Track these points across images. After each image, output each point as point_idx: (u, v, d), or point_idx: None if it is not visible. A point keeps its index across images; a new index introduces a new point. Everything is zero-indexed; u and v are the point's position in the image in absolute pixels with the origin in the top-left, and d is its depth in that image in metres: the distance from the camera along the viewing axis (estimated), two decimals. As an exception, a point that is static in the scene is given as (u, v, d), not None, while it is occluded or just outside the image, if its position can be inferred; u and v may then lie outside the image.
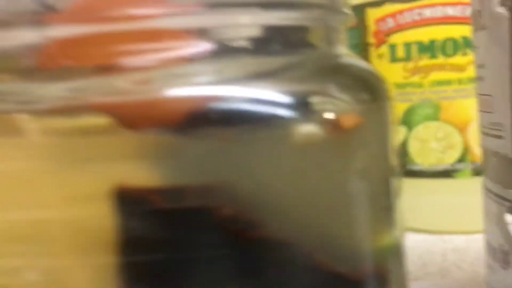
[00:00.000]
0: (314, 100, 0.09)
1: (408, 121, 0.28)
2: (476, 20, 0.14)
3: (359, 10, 0.32)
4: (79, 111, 0.09)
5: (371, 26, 0.31)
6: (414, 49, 0.28)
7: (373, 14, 0.31)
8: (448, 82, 0.28)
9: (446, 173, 0.28)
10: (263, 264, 0.09)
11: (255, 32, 0.11)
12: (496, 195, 0.13)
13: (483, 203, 0.15)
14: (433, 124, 0.28)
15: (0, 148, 0.09)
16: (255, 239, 0.09)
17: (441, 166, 0.28)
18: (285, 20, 0.11)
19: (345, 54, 0.11)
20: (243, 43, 0.10)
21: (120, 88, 0.09)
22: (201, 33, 0.10)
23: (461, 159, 0.27)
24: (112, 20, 0.09)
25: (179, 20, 0.10)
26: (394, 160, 0.11)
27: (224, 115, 0.08)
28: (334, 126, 0.08)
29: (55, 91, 0.09)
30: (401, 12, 0.28)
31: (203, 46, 0.09)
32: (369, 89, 0.10)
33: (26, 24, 0.09)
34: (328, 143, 0.08)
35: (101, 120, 0.09)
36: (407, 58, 0.28)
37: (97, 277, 0.09)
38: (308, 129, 0.08)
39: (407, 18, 0.29)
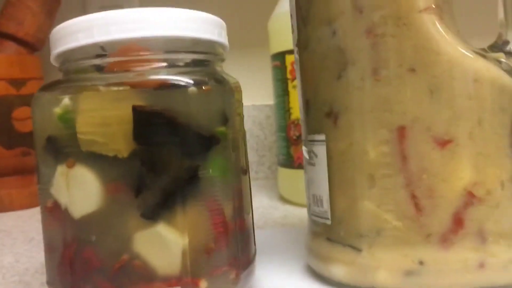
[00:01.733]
0: (200, 82, 0.26)
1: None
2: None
3: (281, 55, 0.50)
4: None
5: (288, 66, 0.50)
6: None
7: (289, 58, 0.50)
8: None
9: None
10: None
11: (187, 59, 0.28)
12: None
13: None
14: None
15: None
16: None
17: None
18: (198, 57, 0.28)
19: (221, 71, 0.29)
20: (182, 63, 0.28)
21: (133, 77, 0.26)
22: (166, 60, 0.27)
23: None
24: (130, 54, 0.26)
25: (155, 56, 0.27)
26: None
27: (170, 84, 0.26)
28: (200, 88, 0.25)
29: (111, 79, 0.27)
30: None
31: (161, 64, 0.27)
32: (221, 81, 0.27)
33: (96, 56, 0.27)
34: (203, 95, 0.25)
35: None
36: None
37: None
38: (195, 89, 0.25)
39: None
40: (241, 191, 0.29)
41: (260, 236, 0.37)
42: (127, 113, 0.25)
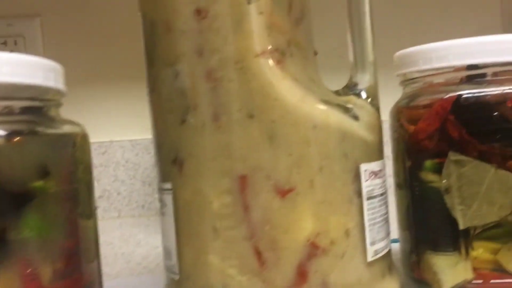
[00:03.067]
0: (12, 133, 0.23)
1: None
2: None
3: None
4: None
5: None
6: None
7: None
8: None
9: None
10: None
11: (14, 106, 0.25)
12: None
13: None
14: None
15: None
16: None
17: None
18: (24, 104, 0.26)
19: (58, 118, 0.27)
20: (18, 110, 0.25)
21: None
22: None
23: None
24: None
25: None
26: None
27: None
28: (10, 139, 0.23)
29: None
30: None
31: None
32: (42, 131, 0.25)
33: None
34: (12, 147, 0.23)
35: None
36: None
37: None
38: (3, 140, 0.23)
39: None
40: (72, 247, 0.26)
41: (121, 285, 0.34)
42: None
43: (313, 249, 0.26)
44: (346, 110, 0.28)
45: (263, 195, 0.26)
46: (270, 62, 0.26)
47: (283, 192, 0.26)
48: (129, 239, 0.57)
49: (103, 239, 0.55)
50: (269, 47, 0.26)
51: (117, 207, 0.67)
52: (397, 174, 0.34)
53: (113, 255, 0.51)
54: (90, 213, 0.28)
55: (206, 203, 0.27)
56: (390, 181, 0.33)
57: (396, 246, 0.34)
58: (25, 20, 0.73)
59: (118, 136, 0.68)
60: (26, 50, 0.75)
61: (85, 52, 0.69)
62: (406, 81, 0.33)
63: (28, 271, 0.23)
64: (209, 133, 0.27)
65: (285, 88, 0.26)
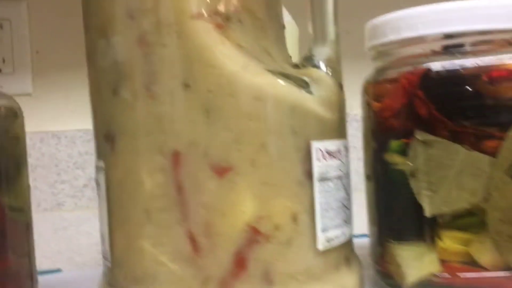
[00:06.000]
0: None
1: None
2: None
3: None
4: None
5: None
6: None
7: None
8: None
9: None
10: None
11: None
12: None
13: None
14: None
15: None
16: None
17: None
18: None
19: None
20: None
21: None
22: None
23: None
24: None
25: None
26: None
27: None
28: None
29: None
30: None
31: None
32: None
33: None
34: None
35: None
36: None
37: None
38: None
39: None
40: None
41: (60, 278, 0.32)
42: None
43: (254, 235, 0.23)
44: (299, 82, 0.25)
45: (198, 174, 0.23)
46: (208, 25, 0.23)
47: (221, 171, 0.23)
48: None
49: (85, 229, 0.54)
50: (208, 9, 0.24)
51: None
52: (366, 163, 0.31)
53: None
54: (24, 206, 0.26)
55: (138, 183, 0.24)
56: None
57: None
58: (11, 3, 0.71)
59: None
60: (12, 33, 0.73)
61: (72, 36, 0.67)
62: (376, 54, 0.30)
63: None
64: (141, 105, 0.24)
65: (224, 54, 0.23)
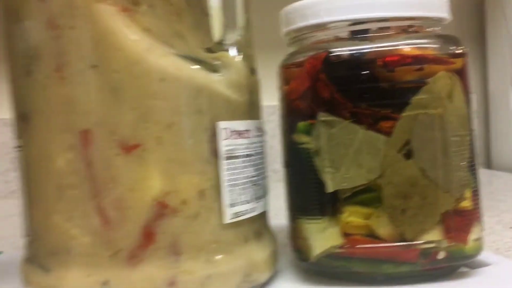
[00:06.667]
0: None
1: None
2: None
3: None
4: None
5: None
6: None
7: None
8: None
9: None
10: None
11: None
12: None
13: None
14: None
15: None
16: None
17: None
18: None
19: None
20: None
21: None
22: None
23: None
24: None
25: None
26: None
27: None
28: None
29: None
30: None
31: None
32: None
33: None
34: None
35: None
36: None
37: None
38: None
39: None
40: None
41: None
42: None
43: (161, 209, 0.25)
44: (207, 66, 0.27)
45: (107, 152, 0.24)
46: (113, 8, 0.24)
47: (128, 148, 0.25)
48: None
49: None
50: (113, -7, 0.25)
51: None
52: (283, 149, 0.32)
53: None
54: None
55: (50, 161, 0.25)
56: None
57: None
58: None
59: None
60: None
61: None
62: (290, 40, 0.32)
63: None
64: (52, 85, 0.25)
65: (129, 37, 0.24)
